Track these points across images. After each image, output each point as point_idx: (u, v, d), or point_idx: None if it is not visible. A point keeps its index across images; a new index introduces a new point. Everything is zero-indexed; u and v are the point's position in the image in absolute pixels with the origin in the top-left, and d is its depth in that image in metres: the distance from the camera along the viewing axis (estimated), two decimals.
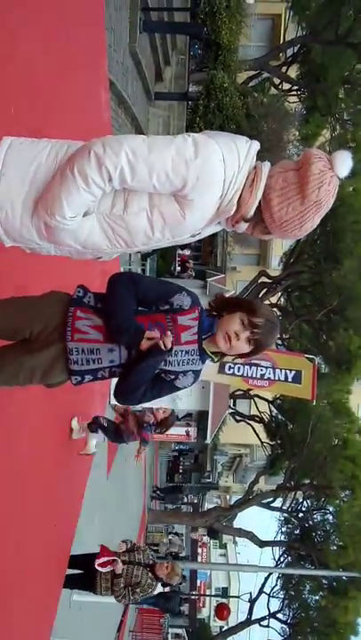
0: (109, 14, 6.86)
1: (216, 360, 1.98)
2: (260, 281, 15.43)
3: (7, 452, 3.66)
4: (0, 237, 1.79)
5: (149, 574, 4.71)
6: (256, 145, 1.71)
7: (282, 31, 18.63)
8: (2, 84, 3.44)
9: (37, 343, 1.92)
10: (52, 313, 1.94)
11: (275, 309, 16.21)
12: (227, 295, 2.06)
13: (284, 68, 15.83)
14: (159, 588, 4.96)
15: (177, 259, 17.35)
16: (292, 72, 15.76)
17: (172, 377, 1.94)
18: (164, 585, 4.99)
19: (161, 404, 11.23)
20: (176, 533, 21.42)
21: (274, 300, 16.02)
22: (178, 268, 17.50)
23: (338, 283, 12.97)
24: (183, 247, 14.62)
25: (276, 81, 15.79)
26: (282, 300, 16.12)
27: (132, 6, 8.19)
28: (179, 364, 1.91)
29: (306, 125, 14.38)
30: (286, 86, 15.73)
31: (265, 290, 15.34)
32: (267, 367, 9.06)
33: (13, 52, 3.60)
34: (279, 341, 15.11)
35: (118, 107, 8.75)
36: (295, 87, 15.41)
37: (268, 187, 1.68)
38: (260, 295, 15.53)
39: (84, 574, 4.98)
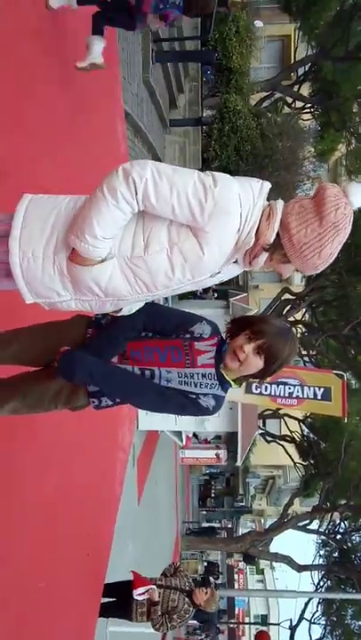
0: (122, 47, 7.06)
1: (236, 386, 1.97)
2: (283, 298, 15.32)
3: (37, 481, 3.66)
4: (22, 291, 1.80)
5: (186, 599, 4.62)
6: (268, 184, 1.77)
7: (292, 51, 18.88)
8: (22, 121, 3.56)
9: None
10: (74, 336, 1.98)
11: (300, 326, 16.05)
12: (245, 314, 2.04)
13: (296, 87, 15.98)
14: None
15: None
16: (305, 90, 15.90)
17: (194, 397, 1.93)
18: (198, 617, 4.88)
19: (189, 426, 11.15)
20: (211, 562, 20.96)
21: (298, 316, 15.88)
22: (200, 290, 17.56)
23: None
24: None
25: (289, 100, 15.94)
26: (306, 316, 15.97)
27: (144, 38, 8.42)
28: (196, 386, 1.91)
29: (321, 141, 14.42)
30: (299, 104, 15.86)
31: (289, 306, 15.22)
32: (295, 385, 8.94)
33: (32, 93, 3.73)
34: (306, 358, 14.91)
35: (135, 137, 8.94)
36: (308, 105, 15.52)
37: (285, 213, 1.73)
38: (285, 312, 15.42)
39: (119, 601, 4.91)
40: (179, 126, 11.75)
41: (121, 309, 1.94)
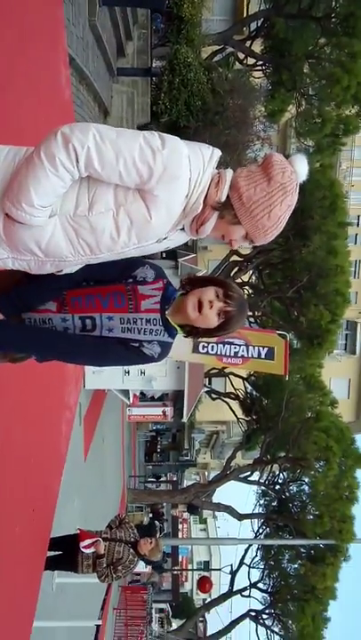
0: None
1: (183, 334, 1.95)
2: (231, 260, 15.46)
3: None
4: None
5: (131, 550, 4.77)
6: (218, 151, 1.75)
7: (245, 4, 18.35)
8: None
9: None
10: (7, 278, 1.89)
11: (246, 287, 16.32)
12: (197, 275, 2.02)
13: (248, 43, 15.62)
14: (140, 565, 5.02)
15: None
16: (257, 47, 15.57)
17: (137, 345, 1.88)
18: (146, 562, 5.06)
19: (136, 384, 11.27)
20: (155, 516, 21.65)
21: (245, 278, 16.11)
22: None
23: (307, 259, 13.11)
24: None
25: (241, 56, 15.58)
26: (253, 277, 16.22)
27: None
28: (140, 332, 1.87)
29: (272, 101, 14.27)
30: (251, 61, 15.54)
31: (236, 268, 15.40)
32: (240, 345, 9.16)
33: None
34: (252, 319, 15.26)
35: (80, 83, 8.53)
36: (260, 62, 15.25)
37: (235, 177, 1.73)
38: (232, 274, 15.60)
39: (64, 555, 5.01)
40: (127, 75, 11.30)
41: (62, 271, 1.86)
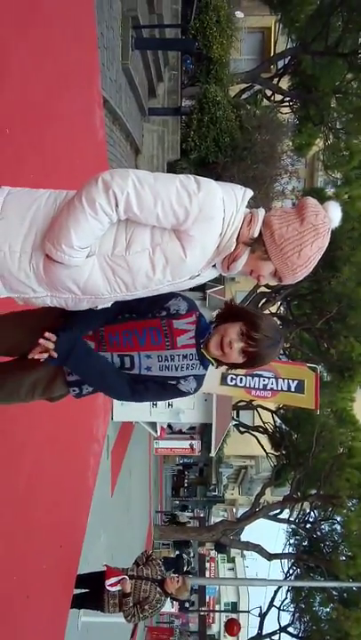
0: (101, 32, 6.94)
1: (216, 366, 1.96)
2: (258, 291, 15.43)
3: (11, 472, 3.62)
4: None
5: (158, 589, 4.65)
6: (250, 191, 1.80)
7: (272, 43, 18.85)
8: None
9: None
10: (48, 326, 1.92)
11: (275, 319, 16.20)
12: (236, 303, 2.02)
13: (275, 80, 15.97)
14: (168, 605, 4.87)
15: None
16: (284, 84, 15.91)
17: (174, 382, 1.91)
18: (172, 600, 4.91)
19: (163, 417, 11.18)
20: (182, 549, 21.16)
21: (273, 309, 16.03)
22: None
23: (337, 290, 13.00)
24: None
25: (268, 93, 15.93)
26: (281, 309, 16.13)
27: (124, 24, 8.29)
28: (177, 369, 1.89)
29: (299, 135, 14.48)
30: (278, 98, 15.87)
31: (264, 299, 15.35)
32: (269, 377, 9.04)
33: (6, 71, 3.62)
34: (281, 351, 15.07)
35: (113, 124, 8.83)
36: (287, 98, 15.56)
37: (268, 216, 1.78)
38: (260, 305, 15.54)
39: (91, 593, 4.92)
40: (157, 115, 11.65)
41: (97, 306, 1.90)
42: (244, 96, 15.26)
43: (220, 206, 1.69)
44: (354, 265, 12.79)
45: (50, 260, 1.70)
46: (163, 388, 1.90)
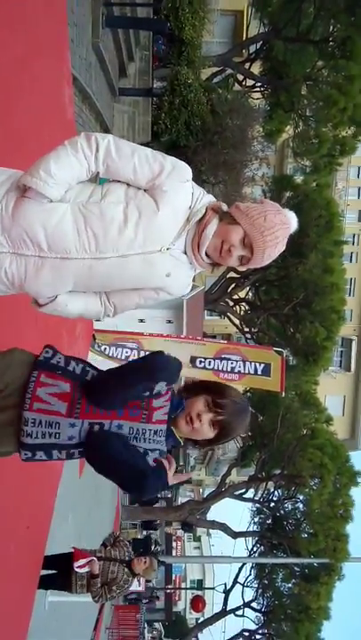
0: (71, 9, 6.78)
1: (182, 444, 1.88)
2: (228, 276, 15.57)
3: None
4: None
5: (126, 570, 4.74)
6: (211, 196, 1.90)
7: (245, 27, 18.73)
8: None
9: None
10: (13, 376, 1.75)
11: (243, 304, 16.40)
12: (194, 379, 1.96)
13: (247, 65, 15.94)
14: (135, 584, 5.00)
15: None
16: (256, 69, 15.89)
17: (142, 451, 1.80)
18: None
19: None
20: (150, 529, 21.47)
21: (242, 294, 16.21)
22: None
23: (304, 277, 13.25)
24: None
25: (240, 77, 15.89)
26: (250, 294, 16.33)
27: (95, 1, 8.11)
28: (146, 442, 1.78)
29: (270, 122, 14.54)
30: (250, 83, 15.85)
31: (233, 285, 15.51)
32: (237, 360, 9.19)
33: None
34: (248, 335, 15.31)
35: (82, 103, 8.67)
36: (258, 84, 15.55)
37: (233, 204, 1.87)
38: (229, 290, 15.70)
39: (58, 574, 4.98)
40: (128, 95, 11.48)
41: (55, 298, 1.80)
42: (215, 80, 15.18)
43: (189, 174, 1.79)
44: (320, 252, 13.05)
45: (23, 198, 1.70)
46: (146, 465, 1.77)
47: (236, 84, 15.64)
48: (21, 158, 2.03)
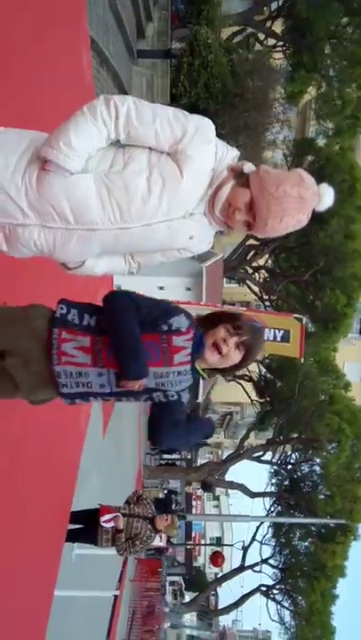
0: None
1: (206, 377, 1.97)
2: (247, 243, 15.47)
3: (7, 413, 3.82)
4: None
5: (149, 526, 4.99)
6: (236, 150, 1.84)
7: None
8: None
9: (21, 359, 1.84)
10: (36, 331, 1.84)
11: (262, 271, 16.33)
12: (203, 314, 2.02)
13: (268, 23, 15.34)
14: (157, 540, 5.25)
15: None
16: (278, 27, 15.28)
17: (175, 397, 1.91)
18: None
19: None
20: (171, 491, 22.14)
21: (262, 262, 16.12)
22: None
23: (325, 243, 13.09)
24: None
25: (261, 37, 15.33)
26: (270, 262, 16.22)
27: None
28: (172, 385, 1.88)
29: (292, 83, 14.08)
30: (271, 42, 15.29)
31: (253, 252, 15.41)
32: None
33: None
34: (267, 302, 15.32)
35: (100, 66, 8.56)
36: (280, 43, 14.99)
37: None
38: (248, 257, 15.62)
39: (85, 528, 5.27)
40: (146, 58, 11.28)
41: (83, 264, 1.85)
42: (235, 40, 14.69)
43: (213, 133, 1.73)
44: (342, 217, 12.82)
45: (45, 170, 1.68)
46: (169, 408, 1.91)
47: (257, 44, 15.12)
48: (40, 124, 2.06)
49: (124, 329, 1.78)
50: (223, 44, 11.88)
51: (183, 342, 1.86)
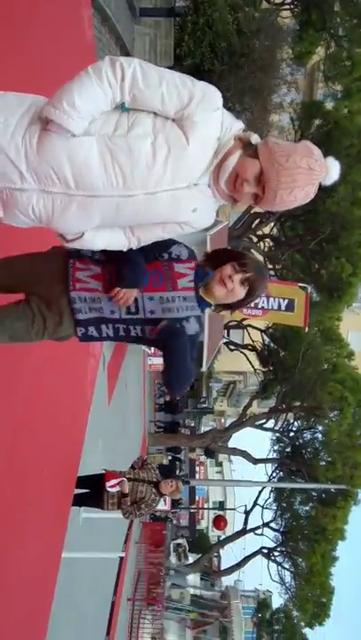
0: None
1: (214, 309, 2.09)
2: (252, 211, 15.25)
3: (12, 382, 3.85)
4: None
5: (153, 490, 5.09)
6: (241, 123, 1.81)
7: None
8: None
9: (45, 298, 2.03)
10: (55, 268, 2.04)
11: (267, 240, 16.17)
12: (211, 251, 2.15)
13: None
14: (161, 504, 5.37)
15: None
16: None
17: (179, 325, 2.00)
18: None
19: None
20: (175, 458, 22.51)
21: (267, 230, 15.93)
22: None
23: (331, 210, 12.88)
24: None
25: None
26: (275, 230, 16.03)
27: None
28: (178, 311, 2.01)
29: (300, 42, 13.58)
30: (278, 0, 14.71)
31: (258, 220, 15.21)
32: (260, 296, 9.24)
33: None
34: (272, 272, 15.21)
35: (102, 25, 8.29)
36: (288, 0, 14.41)
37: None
38: (253, 226, 15.43)
39: (91, 493, 5.38)
40: (149, 16, 10.90)
41: (82, 235, 1.82)
42: None
43: (220, 101, 1.70)
44: (350, 183, 12.57)
45: (47, 131, 1.64)
46: (175, 335, 1.97)
47: (263, 2, 14.54)
48: (40, 85, 1.99)
49: (127, 253, 1.92)
50: (229, 2, 11.44)
51: (185, 269, 2.04)
